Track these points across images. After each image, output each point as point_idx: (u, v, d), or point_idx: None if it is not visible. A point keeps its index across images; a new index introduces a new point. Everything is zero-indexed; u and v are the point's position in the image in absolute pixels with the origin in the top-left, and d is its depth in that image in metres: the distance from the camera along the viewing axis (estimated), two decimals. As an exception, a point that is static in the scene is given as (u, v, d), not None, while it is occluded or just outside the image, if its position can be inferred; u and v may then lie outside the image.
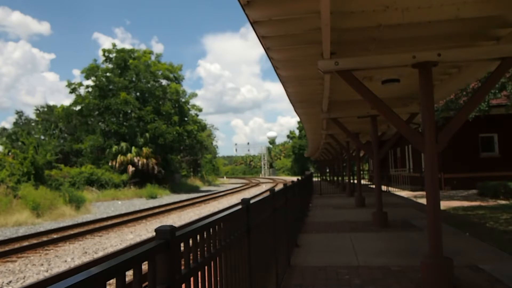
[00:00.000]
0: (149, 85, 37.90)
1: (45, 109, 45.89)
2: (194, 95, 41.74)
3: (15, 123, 46.81)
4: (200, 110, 42.11)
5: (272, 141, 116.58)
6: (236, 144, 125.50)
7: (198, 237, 2.04)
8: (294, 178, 14.26)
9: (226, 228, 2.51)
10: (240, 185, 52.42)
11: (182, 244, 1.85)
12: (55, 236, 12.14)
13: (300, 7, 4.19)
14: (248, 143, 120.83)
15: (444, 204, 12.73)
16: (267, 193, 4.44)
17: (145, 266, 1.50)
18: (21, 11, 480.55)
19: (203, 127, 43.97)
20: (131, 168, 34.00)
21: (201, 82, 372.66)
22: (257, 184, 51.17)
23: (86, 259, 9.11)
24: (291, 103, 9.82)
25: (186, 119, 39.63)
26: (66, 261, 9.03)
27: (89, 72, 36.56)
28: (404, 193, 20.35)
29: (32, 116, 47.25)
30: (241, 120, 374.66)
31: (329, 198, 18.09)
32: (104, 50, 37.82)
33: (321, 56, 5.10)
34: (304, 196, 11.42)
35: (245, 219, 2.97)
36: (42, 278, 7.33)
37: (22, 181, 21.45)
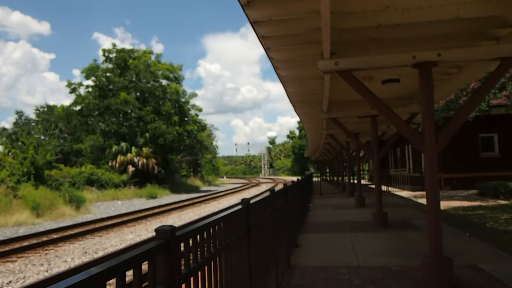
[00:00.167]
0: (149, 85, 37.91)
1: (45, 109, 45.91)
2: (194, 95, 41.79)
3: (15, 123, 46.85)
4: (200, 110, 42.16)
5: (272, 141, 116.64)
6: (236, 144, 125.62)
7: (198, 237, 2.04)
8: (294, 178, 14.26)
9: (226, 228, 2.51)
10: (240, 185, 52.42)
11: (182, 244, 1.85)
12: (55, 236, 12.14)
13: (300, 7, 4.19)
14: (248, 143, 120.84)
15: (444, 204, 12.73)
16: (267, 193, 4.44)
17: (145, 266, 1.50)
18: (21, 11, 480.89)
19: (203, 127, 43.98)
20: (131, 168, 34.01)
21: (201, 82, 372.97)
22: (257, 184, 51.18)
23: (86, 259, 9.11)
24: (291, 103, 9.82)
25: (186, 119, 39.64)
26: (66, 261, 9.03)
27: (89, 72, 36.57)
28: (404, 193, 20.35)
29: (32, 116, 47.36)
30: (241, 120, 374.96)
31: (329, 198, 18.09)
32: (104, 50, 37.86)
33: (321, 56, 5.10)
34: (304, 196, 11.42)
35: (245, 219, 2.97)
36: (42, 278, 7.33)
37: (22, 181, 21.46)
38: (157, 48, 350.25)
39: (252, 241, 3.11)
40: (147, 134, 35.64)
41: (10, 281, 7.49)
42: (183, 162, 50.08)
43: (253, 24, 4.43)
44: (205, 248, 2.15)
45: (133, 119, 36.57)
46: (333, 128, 13.26)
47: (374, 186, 11.31)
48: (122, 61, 37.40)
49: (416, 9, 4.39)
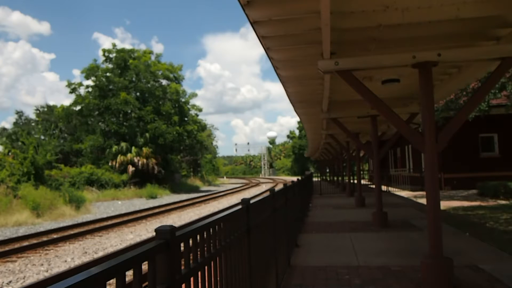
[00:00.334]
0: (149, 85, 37.91)
1: (45, 109, 45.90)
2: (194, 95, 41.79)
3: (15, 123, 46.84)
4: (200, 110, 42.16)
5: (272, 141, 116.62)
6: (236, 144, 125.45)
7: (198, 237, 2.04)
8: (294, 178, 14.26)
9: (226, 228, 2.51)
10: (240, 185, 52.42)
11: (182, 244, 1.85)
12: (55, 236, 12.14)
13: (300, 7, 4.19)
14: (248, 143, 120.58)
15: (444, 204, 12.73)
16: (267, 193, 4.44)
17: (145, 266, 1.50)
18: (21, 11, 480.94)
19: (203, 127, 43.98)
20: (131, 168, 34.00)
21: (201, 82, 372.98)
22: (257, 184, 51.18)
23: (86, 259, 9.11)
24: (291, 103, 9.82)
25: (186, 119, 39.64)
26: (66, 261, 9.03)
27: (89, 72, 36.57)
28: (404, 193, 20.35)
29: (32, 116, 47.35)
30: (241, 120, 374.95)
31: (329, 198, 18.09)
32: (104, 50, 37.86)
33: (321, 56, 5.10)
34: (304, 196, 11.42)
35: (245, 219, 2.97)
36: (42, 278, 7.33)
37: (22, 181, 21.46)
38: (157, 48, 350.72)
39: (252, 241, 3.11)
40: (147, 134, 35.64)
41: (10, 281, 7.49)
42: (183, 162, 50.08)
43: (253, 24, 4.43)
44: (205, 248, 2.15)
45: (133, 119, 36.58)
46: (333, 128, 13.26)
47: (374, 186, 11.31)
48: (122, 61, 37.40)
49: (416, 9, 4.39)
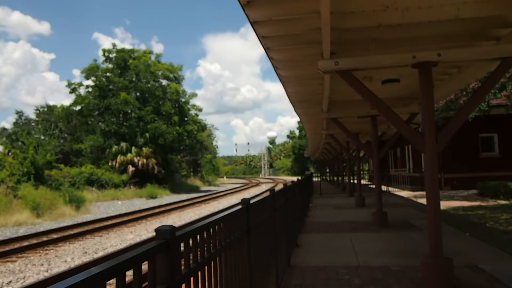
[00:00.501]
0: (149, 85, 37.91)
1: (45, 109, 45.90)
2: (194, 95, 41.79)
3: (15, 123, 46.84)
4: (200, 110, 42.17)
5: (272, 141, 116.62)
6: (236, 144, 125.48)
7: (198, 237, 2.04)
8: (294, 178, 14.26)
9: (226, 228, 2.51)
10: (240, 185, 52.42)
11: (182, 244, 1.85)
12: (55, 236, 12.14)
13: (300, 7, 4.19)
14: (248, 143, 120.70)
15: (444, 204, 12.73)
16: (267, 193, 4.44)
17: (145, 266, 1.50)
18: (21, 11, 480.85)
19: (203, 127, 43.98)
20: (131, 168, 34.00)
21: (201, 82, 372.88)
22: (257, 184, 51.18)
23: (86, 259, 9.11)
24: (291, 103, 9.82)
25: (186, 119, 39.65)
26: (66, 261, 9.03)
27: (89, 72, 36.57)
28: (404, 193, 20.35)
29: (32, 116, 47.34)
30: (241, 120, 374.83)
31: (329, 198, 18.09)
32: (104, 50, 37.87)
33: (321, 56, 5.10)
34: (304, 196, 11.42)
35: (245, 219, 2.97)
36: (42, 278, 7.33)
37: (22, 181, 21.45)
38: (157, 48, 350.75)
39: (252, 241, 3.11)
40: (147, 134, 35.64)
41: (10, 281, 7.49)
42: (183, 162, 50.08)
43: (253, 24, 4.43)
44: (205, 248, 2.15)
45: (133, 119, 36.57)
46: (333, 128, 13.26)
47: (374, 186, 11.31)
48: (122, 61, 37.40)
49: (416, 9, 4.39)
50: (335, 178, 28.95)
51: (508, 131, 20.24)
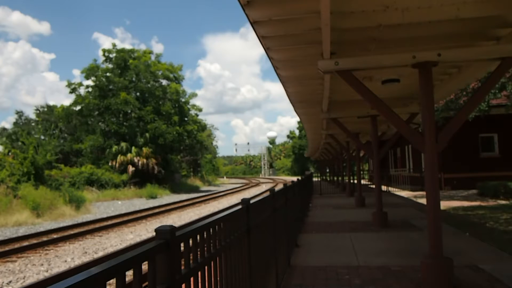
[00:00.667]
0: (149, 85, 37.91)
1: (45, 109, 45.90)
2: (194, 95, 41.79)
3: (15, 123, 46.83)
4: (200, 110, 42.17)
5: (272, 141, 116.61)
6: (236, 144, 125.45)
7: (198, 237, 2.04)
8: (294, 178, 14.26)
9: (226, 228, 2.51)
10: (240, 185, 52.42)
11: (182, 244, 1.85)
12: (55, 236, 12.14)
13: (300, 7, 4.19)
14: (248, 143, 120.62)
15: (444, 204, 12.73)
16: (267, 193, 4.44)
17: (145, 266, 1.50)
18: (21, 11, 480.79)
19: (203, 127, 43.98)
20: (131, 168, 34.00)
21: (201, 82, 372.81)
22: (257, 184, 51.17)
23: (86, 259, 9.11)
24: (291, 103, 9.82)
25: (186, 119, 39.65)
26: (66, 261, 9.03)
27: (89, 72, 36.57)
28: (404, 193, 20.35)
29: (32, 116, 47.34)
30: (241, 120, 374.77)
31: (329, 198, 18.09)
32: (104, 50, 37.86)
33: (321, 56, 5.09)
34: (304, 196, 11.42)
35: (245, 219, 2.97)
36: (42, 278, 7.33)
37: (22, 181, 21.46)
38: (157, 48, 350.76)
39: (252, 241, 3.11)
40: (147, 134, 35.64)
41: (10, 281, 7.49)
42: (183, 162, 50.08)
43: (253, 24, 4.43)
44: (205, 248, 2.15)
45: (133, 119, 36.57)
46: (333, 128, 13.26)
47: (374, 186, 11.31)
48: (122, 61, 37.40)
49: (416, 9, 4.39)
50: (335, 178, 28.95)
51: (508, 131, 20.24)
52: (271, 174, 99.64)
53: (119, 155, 34.29)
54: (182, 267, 1.85)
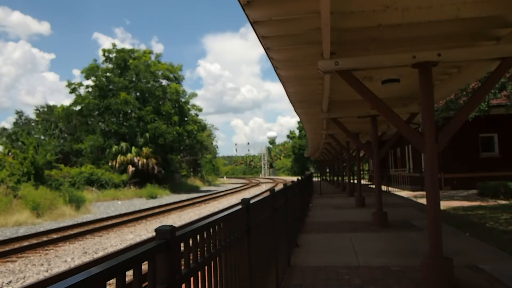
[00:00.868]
0: (149, 85, 37.92)
1: (45, 109, 45.90)
2: (194, 95, 41.79)
3: (15, 123, 46.83)
4: (200, 110, 42.17)
5: (272, 141, 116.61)
6: (236, 144, 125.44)
7: (198, 237, 2.04)
8: (294, 178, 14.25)
9: (226, 228, 2.51)
10: (240, 185, 52.42)
11: (182, 244, 1.85)
12: (55, 236, 12.14)
13: (300, 7, 4.19)
14: (248, 143, 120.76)
15: (444, 204, 12.73)
16: (267, 193, 4.44)
17: (145, 266, 1.50)
18: (21, 11, 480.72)
19: (203, 127, 43.98)
20: (131, 168, 34.00)
21: (201, 82, 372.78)
22: (257, 184, 51.17)
23: (86, 259, 9.11)
24: (291, 103, 9.82)
25: (186, 119, 39.65)
26: (66, 261, 9.03)
27: (89, 72, 36.58)
28: (404, 193, 20.35)
29: (32, 116, 47.34)
30: (241, 120, 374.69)
31: (329, 198, 18.09)
32: (104, 50, 37.86)
33: (321, 56, 5.09)
34: (304, 196, 11.42)
35: (245, 219, 2.97)
36: (42, 278, 7.33)
37: (22, 181, 21.46)
38: (157, 48, 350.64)
39: (252, 241, 3.10)
40: (147, 134, 35.64)
41: (10, 281, 7.49)
42: (183, 162, 50.08)
43: (253, 24, 4.43)
44: (205, 248, 2.15)
45: (133, 119, 36.57)
46: (333, 128, 13.26)
47: (374, 186, 11.31)
48: (122, 61, 37.40)
49: (416, 9, 4.39)
50: (335, 178, 28.95)
51: (508, 131, 20.24)
52: (271, 174, 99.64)
53: (119, 155, 34.29)
54: (182, 267, 1.85)
